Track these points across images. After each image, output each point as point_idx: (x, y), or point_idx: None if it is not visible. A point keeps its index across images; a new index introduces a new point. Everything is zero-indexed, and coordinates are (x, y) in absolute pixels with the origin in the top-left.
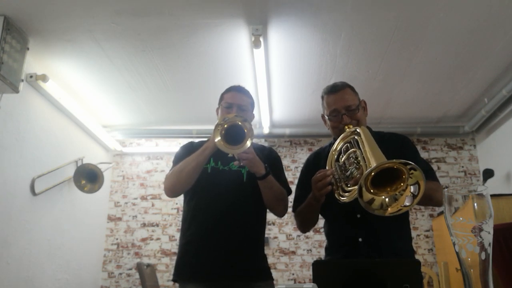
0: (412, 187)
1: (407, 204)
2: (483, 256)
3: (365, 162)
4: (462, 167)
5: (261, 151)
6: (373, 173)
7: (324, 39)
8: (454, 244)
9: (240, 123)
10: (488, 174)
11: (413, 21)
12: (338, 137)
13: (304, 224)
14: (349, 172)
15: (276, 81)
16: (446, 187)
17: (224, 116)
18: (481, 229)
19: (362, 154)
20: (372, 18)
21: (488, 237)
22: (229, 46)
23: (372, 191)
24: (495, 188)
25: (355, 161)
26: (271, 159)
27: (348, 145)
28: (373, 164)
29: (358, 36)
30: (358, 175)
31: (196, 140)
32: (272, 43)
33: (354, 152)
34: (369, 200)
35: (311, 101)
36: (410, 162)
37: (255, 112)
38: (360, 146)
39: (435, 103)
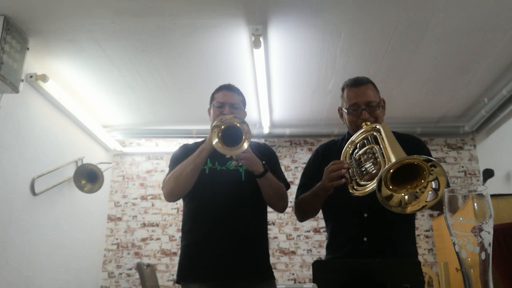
0: (433, 182)
1: (429, 200)
2: (483, 256)
3: (383, 158)
4: (462, 167)
5: (256, 148)
6: (392, 169)
7: (324, 39)
8: (454, 244)
9: (238, 125)
10: (488, 174)
11: (413, 21)
12: (354, 132)
13: (304, 212)
14: (364, 167)
15: (276, 81)
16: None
17: (221, 117)
18: (481, 229)
19: (381, 150)
20: (372, 18)
21: (488, 237)
22: (229, 46)
23: (391, 187)
24: (495, 188)
25: (373, 157)
26: (267, 156)
27: (365, 141)
28: (393, 159)
29: (358, 36)
30: (375, 171)
31: (196, 140)
32: (272, 43)
33: (372, 148)
34: (388, 195)
35: (311, 101)
36: (432, 158)
37: (255, 112)
38: (380, 142)
39: (435, 103)
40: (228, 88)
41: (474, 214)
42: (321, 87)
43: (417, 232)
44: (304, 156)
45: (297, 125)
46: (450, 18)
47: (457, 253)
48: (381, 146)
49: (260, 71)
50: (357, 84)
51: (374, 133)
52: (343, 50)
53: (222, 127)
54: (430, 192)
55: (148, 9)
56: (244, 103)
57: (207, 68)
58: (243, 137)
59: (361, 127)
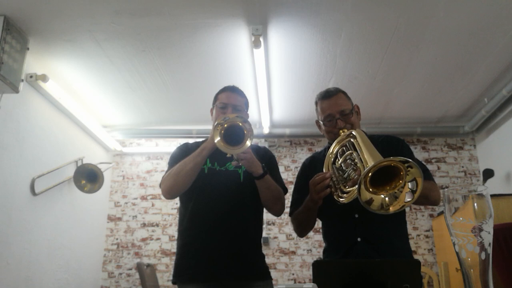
0: (409, 183)
1: (408, 199)
2: (483, 256)
3: (362, 163)
4: (462, 167)
5: (256, 151)
6: (371, 172)
7: (324, 39)
8: (454, 244)
9: (240, 124)
10: (488, 174)
11: (413, 21)
12: (333, 141)
13: (301, 227)
14: (346, 174)
15: (276, 81)
16: (446, 187)
17: (225, 116)
18: (481, 229)
19: (359, 155)
20: (372, 18)
21: (488, 237)
22: (229, 46)
23: (371, 190)
24: (495, 188)
25: (352, 163)
26: (266, 159)
27: (344, 148)
28: (371, 163)
29: (358, 36)
30: (356, 176)
31: (196, 140)
32: (272, 43)
33: (351, 154)
34: (368, 200)
35: (311, 101)
36: (408, 159)
37: (255, 112)
38: (357, 148)
39: (435, 103)
40: (232, 90)
41: (474, 214)
42: (321, 87)
43: (417, 232)
44: (304, 156)
45: (297, 125)
46: (450, 18)
47: (457, 253)
48: (359, 151)
49: (260, 71)
50: (328, 96)
51: (351, 140)
52: (343, 50)
53: (225, 125)
54: (407, 192)
55: (148, 9)
56: (247, 105)
57: (207, 68)
58: (245, 136)
59: (338, 135)
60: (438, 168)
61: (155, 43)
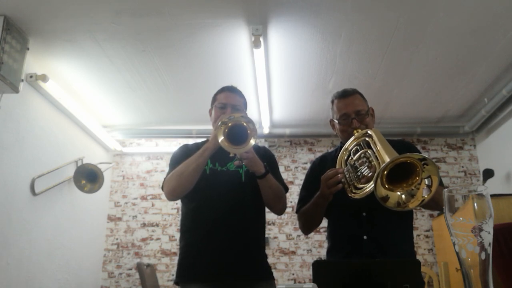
0: (426, 180)
1: (425, 195)
2: (483, 256)
3: (377, 160)
4: (462, 167)
5: (256, 151)
6: (388, 168)
7: (324, 39)
8: (454, 244)
9: (244, 124)
10: (488, 174)
11: (413, 21)
12: (346, 141)
13: (308, 224)
14: (360, 172)
15: (276, 81)
16: (446, 187)
17: (229, 115)
18: (481, 229)
19: (375, 153)
20: (372, 18)
21: (488, 237)
22: (229, 46)
23: (387, 186)
24: (495, 188)
25: (367, 161)
26: (266, 158)
27: (358, 147)
28: (388, 159)
29: (358, 36)
30: (371, 173)
31: (197, 140)
32: (272, 43)
33: (365, 152)
34: (384, 197)
35: (311, 101)
36: (425, 156)
37: (255, 112)
38: (372, 146)
39: (435, 103)
40: (230, 90)
41: (474, 214)
42: (321, 87)
43: (417, 232)
44: (304, 156)
45: (297, 125)
46: (450, 18)
47: (457, 253)
48: (374, 149)
49: (260, 71)
50: (345, 95)
51: (366, 139)
52: (343, 50)
53: (229, 124)
54: (424, 188)
55: (148, 9)
56: (245, 105)
57: (207, 68)
58: (249, 136)
59: (352, 135)
60: (438, 168)
61: (155, 43)
